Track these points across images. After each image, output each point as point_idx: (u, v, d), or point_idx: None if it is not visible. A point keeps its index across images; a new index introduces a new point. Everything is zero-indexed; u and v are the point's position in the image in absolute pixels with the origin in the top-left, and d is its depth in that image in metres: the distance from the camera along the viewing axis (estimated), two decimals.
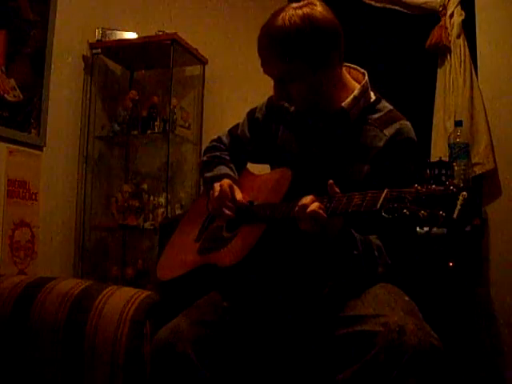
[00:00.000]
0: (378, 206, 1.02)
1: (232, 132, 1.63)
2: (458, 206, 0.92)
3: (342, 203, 1.12)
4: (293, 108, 1.47)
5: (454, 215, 0.92)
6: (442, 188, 0.96)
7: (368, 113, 1.37)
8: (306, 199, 1.17)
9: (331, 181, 1.16)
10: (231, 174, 1.51)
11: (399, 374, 1.05)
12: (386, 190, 1.04)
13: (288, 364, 1.30)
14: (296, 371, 1.28)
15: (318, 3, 1.29)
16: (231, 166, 1.56)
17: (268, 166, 1.58)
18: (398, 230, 1.21)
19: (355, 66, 1.44)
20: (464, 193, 0.93)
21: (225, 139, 1.64)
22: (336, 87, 1.36)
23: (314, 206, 1.14)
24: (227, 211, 1.37)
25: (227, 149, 1.62)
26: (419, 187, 0.99)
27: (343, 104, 1.34)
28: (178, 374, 1.20)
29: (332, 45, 1.28)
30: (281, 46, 1.26)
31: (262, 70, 1.35)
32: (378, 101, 1.40)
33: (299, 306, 1.31)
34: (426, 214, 0.95)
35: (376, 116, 1.36)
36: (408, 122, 1.36)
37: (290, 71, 1.29)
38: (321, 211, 1.13)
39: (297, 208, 1.17)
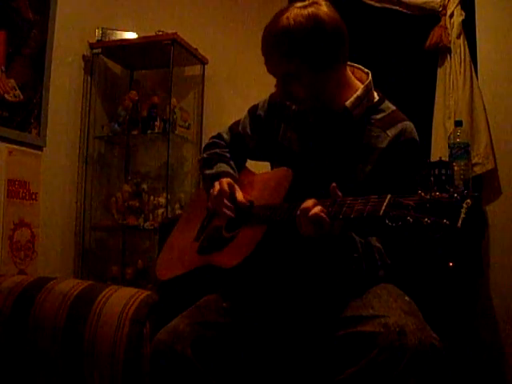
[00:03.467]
0: (381, 212, 1.02)
1: (233, 129, 1.61)
2: (462, 215, 0.91)
3: (345, 207, 1.10)
4: (294, 106, 1.45)
5: (458, 224, 0.91)
6: (446, 195, 0.95)
7: (371, 113, 1.36)
8: (309, 202, 1.16)
9: (334, 184, 1.15)
10: (231, 171, 1.50)
11: (399, 375, 1.05)
12: (388, 196, 1.03)
13: (288, 365, 1.29)
14: (296, 372, 1.28)
15: (323, 3, 1.27)
16: (231, 163, 1.54)
17: (268, 163, 1.57)
18: (401, 236, 1.19)
19: (359, 66, 1.43)
20: (468, 200, 0.92)
21: (225, 136, 1.62)
22: (339, 87, 1.35)
23: (317, 209, 1.13)
24: (227, 210, 1.37)
25: (227, 146, 1.60)
26: (423, 193, 0.98)
27: (346, 104, 1.33)
28: (177, 375, 1.20)
29: (336, 46, 1.27)
30: (285, 45, 1.25)
31: (261, 70, 1.34)
32: (381, 101, 1.39)
33: (299, 307, 1.31)
34: (429, 221, 0.94)
35: (379, 116, 1.36)
36: (411, 123, 1.35)
37: (292, 70, 1.27)
38: (323, 215, 1.12)
39: (299, 211, 1.16)
